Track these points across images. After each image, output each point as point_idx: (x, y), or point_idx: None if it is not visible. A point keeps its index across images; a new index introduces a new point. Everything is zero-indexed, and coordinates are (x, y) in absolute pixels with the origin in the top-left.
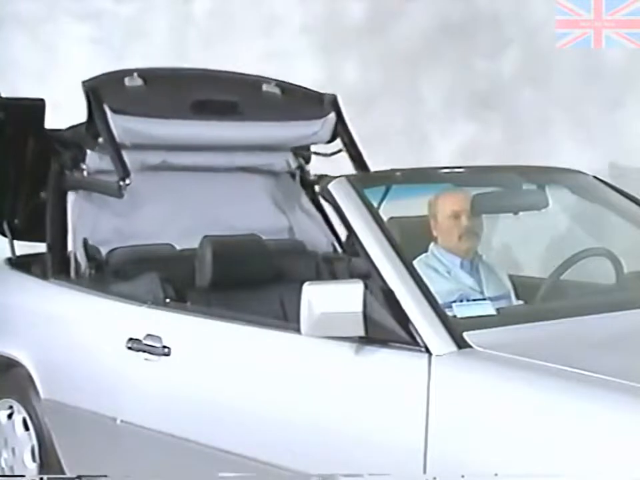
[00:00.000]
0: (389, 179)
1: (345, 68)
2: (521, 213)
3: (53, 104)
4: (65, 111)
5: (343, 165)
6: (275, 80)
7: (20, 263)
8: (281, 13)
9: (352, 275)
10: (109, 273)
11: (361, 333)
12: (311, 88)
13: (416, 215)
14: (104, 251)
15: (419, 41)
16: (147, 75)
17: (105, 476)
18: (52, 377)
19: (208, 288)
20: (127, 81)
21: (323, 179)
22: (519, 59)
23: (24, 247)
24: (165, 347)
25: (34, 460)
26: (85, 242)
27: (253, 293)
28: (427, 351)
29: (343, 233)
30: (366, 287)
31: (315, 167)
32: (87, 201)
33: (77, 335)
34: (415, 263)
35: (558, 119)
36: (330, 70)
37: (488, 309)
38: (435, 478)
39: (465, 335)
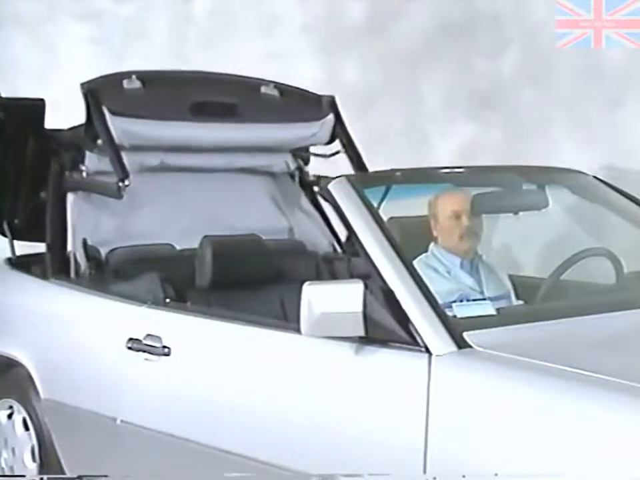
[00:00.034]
0: (389, 179)
1: (345, 68)
2: (520, 213)
3: (53, 104)
4: (64, 111)
5: (342, 165)
6: (274, 82)
7: (20, 263)
8: (281, 13)
9: (352, 275)
10: (109, 273)
11: (361, 333)
12: (311, 88)
13: (416, 214)
14: (104, 251)
15: (418, 41)
16: (146, 77)
17: (105, 476)
18: (52, 377)
19: (208, 288)
20: (125, 83)
21: (322, 179)
22: (518, 59)
23: (24, 247)
24: (164, 347)
25: (34, 460)
26: (85, 242)
27: (253, 293)
28: (427, 350)
29: (342, 233)
30: (366, 287)
31: (314, 167)
32: (86, 202)
33: (77, 335)
34: (415, 262)
35: (558, 119)
36: (330, 70)
37: (488, 308)
38: (435, 478)
39: (465, 335)
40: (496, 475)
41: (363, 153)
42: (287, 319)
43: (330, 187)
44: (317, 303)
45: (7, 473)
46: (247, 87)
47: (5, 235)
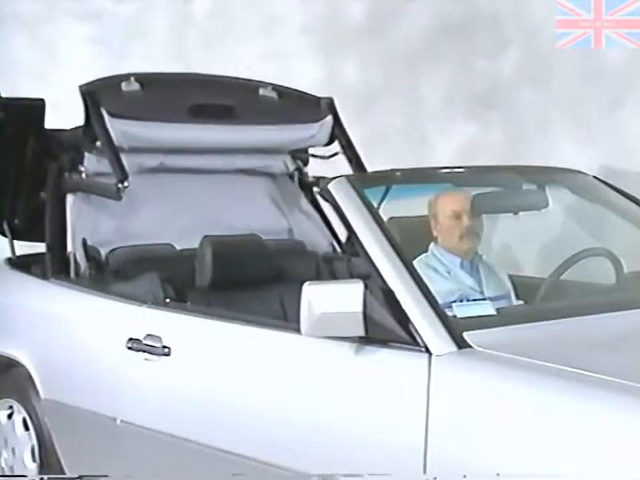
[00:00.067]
0: (389, 179)
1: (345, 68)
2: (520, 213)
3: (53, 104)
4: (64, 111)
5: (342, 167)
6: (272, 84)
7: (20, 263)
8: (281, 13)
9: (352, 275)
10: (109, 273)
11: (361, 333)
12: (311, 88)
13: (416, 214)
14: (103, 251)
15: (418, 40)
16: (144, 79)
17: (106, 476)
18: (52, 377)
19: (208, 288)
20: (123, 85)
21: (321, 180)
22: (519, 58)
23: (24, 247)
24: (164, 347)
25: (34, 460)
26: (84, 242)
27: (253, 293)
28: (427, 350)
29: (342, 234)
30: (366, 287)
31: (314, 169)
32: (86, 203)
33: (77, 335)
34: (415, 262)
35: (558, 119)
36: (330, 70)
37: (488, 308)
38: (435, 478)
39: (465, 334)
40: (498, 474)
41: (362, 153)
42: (287, 319)
43: (330, 186)
44: (317, 302)
45: (7, 473)
46: (245, 89)
47: (5, 235)
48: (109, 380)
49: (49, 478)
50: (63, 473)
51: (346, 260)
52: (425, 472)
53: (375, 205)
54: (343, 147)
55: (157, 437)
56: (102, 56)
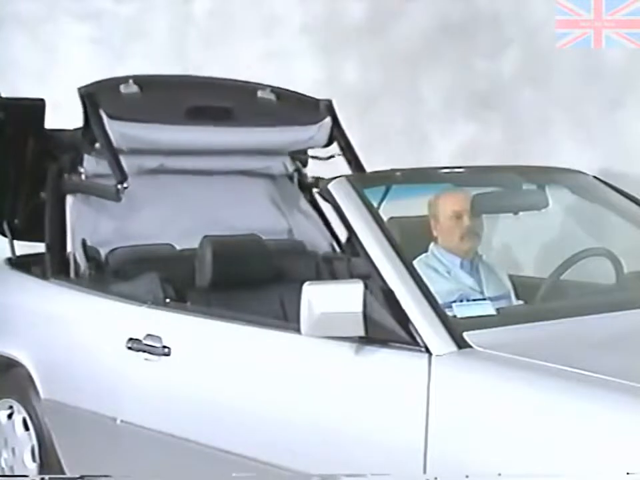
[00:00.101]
0: (389, 179)
1: (345, 68)
2: (520, 213)
3: (53, 104)
4: (64, 111)
5: (342, 168)
6: (270, 86)
7: (20, 263)
8: (281, 13)
9: (352, 275)
10: (108, 273)
11: (361, 333)
12: (311, 88)
13: (416, 214)
14: (103, 251)
15: (419, 40)
16: (143, 81)
17: (107, 476)
18: (52, 377)
19: (208, 288)
20: (122, 87)
21: (320, 181)
22: (519, 58)
23: (24, 247)
24: (164, 347)
25: (34, 460)
26: (84, 243)
27: (253, 293)
28: (427, 350)
29: (342, 235)
30: (366, 287)
31: (314, 170)
32: (85, 204)
33: (77, 335)
34: (415, 263)
35: (558, 119)
36: (330, 70)
37: (488, 308)
38: (435, 478)
39: (465, 334)
40: (499, 474)
41: (362, 153)
42: (287, 319)
43: (330, 186)
44: (317, 303)
45: (7, 473)
46: (243, 91)
47: (5, 235)
48: (109, 380)
49: (49, 478)
50: (63, 473)
51: (346, 260)
52: (425, 472)
53: (375, 205)
54: (341, 148)
55: (157, 436)
56: (102, 56)
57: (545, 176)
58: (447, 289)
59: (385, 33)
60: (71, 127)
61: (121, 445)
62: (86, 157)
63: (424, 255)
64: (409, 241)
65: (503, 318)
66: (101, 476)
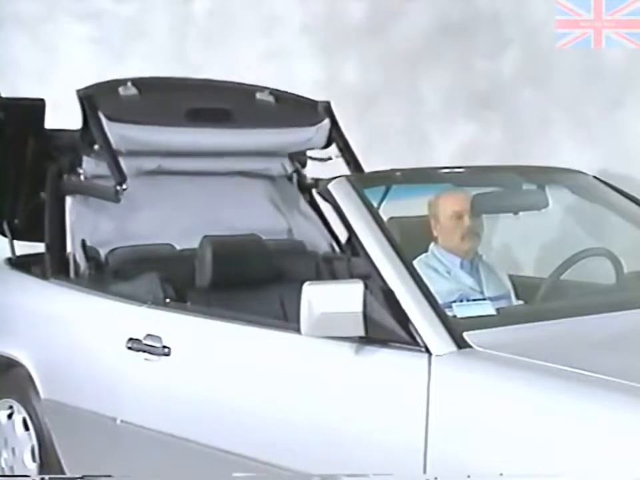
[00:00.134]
0: (389, 179)
1: (345, 68)
2: (520, 213)
3: (53, 104)
4: (64, 111)
5: (341, 168)
6: (269, 88)
7: (20, 263)
8: (281, 13)
9: (352, 275)
10: (108, 273)
11: (361, 333)
12: (311, 88)
13: (416, 214)
14: (103, 252)
15: (418, 40)
16: (141, 83)
17: (108, 476)
18: (52, 377)
19: (208, 288)
20: (121, 90)
21: (320, 182)
22: (519, 58)
23: (24, 247)
24: (164, 347)
25: (34, 460)
26: (84, 243)
27: (253, 293)
28: (427, 351)
29: (341, 235)
30: (366, 287)
31: (314, 171)
32: (84, 205)
33: (77, 335)
34: (415, 263)
35: (558, 119)
36: (330, 70)
37: (488, 308)
38: (435, 478)
39: (465, 334)
40: (501, 474)
41: (362, 153)
42: (287, 319)
43: (330, 187)
44: (317, 303)
45: (7, 473)
46: (242, 93)
47: (5, 235)
48: (109, 380)
49: (49, 478)
50: (63, 473)
51: (346, 260)
52: (425, 472)
53: (375, 205)
54: (340, 149)
55: (157, 436)
56: (102, 56)
57: (545, 176)
58: (447, 289)
59: (385, 32)
60: (70, 127)
61: (121, 444)
62: (85, 158)
63: (424, 255)
64: (408, 241)
65: (503, 318)
66: (101, 476)
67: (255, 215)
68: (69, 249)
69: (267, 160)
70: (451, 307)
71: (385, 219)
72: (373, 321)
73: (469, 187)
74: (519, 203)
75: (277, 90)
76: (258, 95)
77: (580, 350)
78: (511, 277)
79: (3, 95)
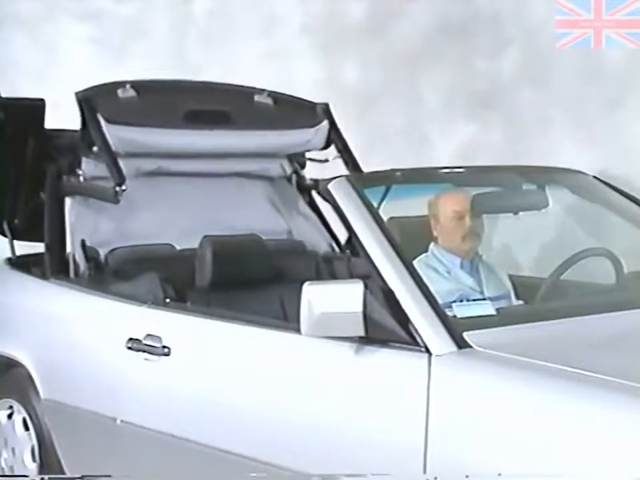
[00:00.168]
0: (389, 179)
1: (345, 68)
2: (521, 213)
3: (53, 104)
4: (65, 111)
5: (340, 169)
6: (267, 90)
7: (20, 263)
8: (281, 13)
9: (352, 275)
10: (108, 273)
11: (361, 333)
12: (311, 88)
13: (416, 214)
14: (103, 252)
15: (419, 41)
16: (140, 86)
17: (108, 476)
18: (52, 377)
19: (208, 288)
20: (119, 92)
21: (319, 182)
22: (519, 58)
23: (24, 247)
24: (164, 347)
25: (34, 460)
26: (83, 243)
27: (253, 293)
28: (427, 350)
29: (341, 235)
30: (366, 287)
31: (313, 172)
32: (84, 206)
33: (77, 335)
34: (415, 263)
35: (558, 119)
36: (330, 70)
37: (488, 308)
38: (435, 478)
39: (465, 334)
40: (500, 474)
41: (362, 153)
42: (287, 319)
43: (330, 186)
44: (317, 302)
45: (7, 473)
46: (240, 95)
47: (5, 235)
48: (109, 380)
49: (49, 478)
50: (63, 473)
51: (346, 260)
52: (425, 472)
53: (375, 205)
54: (339, 151)
55: (157, 436)
56: (102, 56)
57: (545, 176)
58: (447, 289)
59: (385, 32)
60: (70, 127)
61: (121, 444)
62: (84, 159)
63: (424, 255)
64: (408, 240)
65: (502, 318)
66: (101, 476)
67: (254, 215)
68: (68, 249)
69: (266, 161)
70: (450, 306)
71: (385, 219)
72: (373, 321)
73: (469, 187)
74: (519, 203)
75: (275, 92)
76: (256, 97)
77: (580, 350)
78: (511, 277)
79: (3, 95)
